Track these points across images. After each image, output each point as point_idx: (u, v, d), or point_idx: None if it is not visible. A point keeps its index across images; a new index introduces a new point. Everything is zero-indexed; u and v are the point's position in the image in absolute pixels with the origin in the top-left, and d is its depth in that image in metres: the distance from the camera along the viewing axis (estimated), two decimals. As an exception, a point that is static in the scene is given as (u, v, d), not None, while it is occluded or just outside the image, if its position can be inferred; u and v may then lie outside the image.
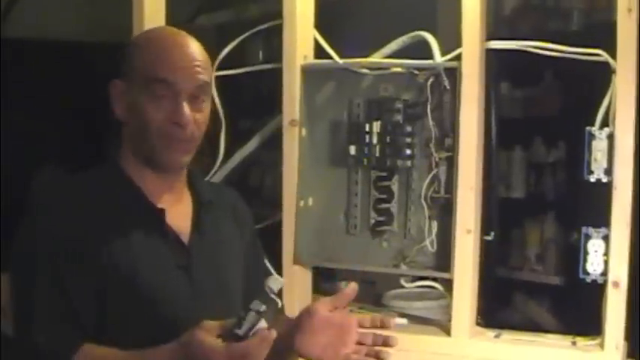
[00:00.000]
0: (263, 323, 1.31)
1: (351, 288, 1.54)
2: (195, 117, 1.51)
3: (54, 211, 1.49)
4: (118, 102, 1.54)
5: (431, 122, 2.06)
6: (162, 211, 1.53)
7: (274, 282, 1.37)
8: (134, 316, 1.47)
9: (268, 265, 1.99)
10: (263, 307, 1.32)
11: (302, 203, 2.17)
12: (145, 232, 1.51)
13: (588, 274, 1.93)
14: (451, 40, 2.03)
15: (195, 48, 1.54)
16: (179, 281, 1.52)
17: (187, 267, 1.54)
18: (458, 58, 2.01)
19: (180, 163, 1.55)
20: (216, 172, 2.28)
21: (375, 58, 2.16)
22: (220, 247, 1.64)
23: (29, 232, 1.48)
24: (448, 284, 2.07)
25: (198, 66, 1.52)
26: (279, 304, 1.38)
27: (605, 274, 1.91)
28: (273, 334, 1.30)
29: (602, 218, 1.92)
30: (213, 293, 1.57)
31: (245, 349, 1.29)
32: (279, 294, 1.38)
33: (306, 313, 1.53)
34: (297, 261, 2.19)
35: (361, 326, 1.54)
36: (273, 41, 2.23)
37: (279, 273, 2.13)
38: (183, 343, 1.33)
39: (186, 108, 1.49)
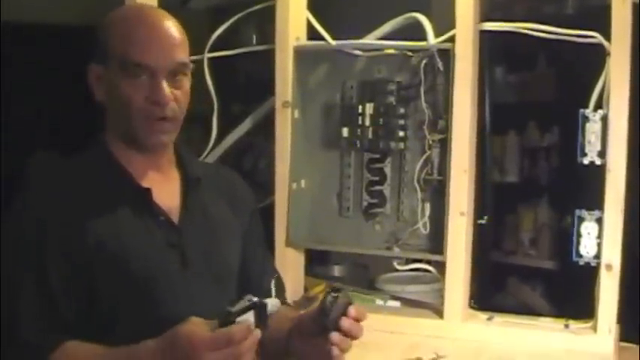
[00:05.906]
0: (251, 318, 1.30)
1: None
2: (175, 94, 1.51)
3: (41, 196, 1.49)
4: (97, 86, 1.53)
5: (424, 104, 2.05)
6: (148, 191, 1.53)
7: (271, 304, 1.36)
8: (125, 297, 1.46)
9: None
10: (255, 299, 1.32)
11: (294, 186, 2.16)
12: (132, 213, 1.50)
13: (581, 256, 1.93)
14: (445, 21, 2.02)
15: (169, 26, 1.51)
16: (171, 259, 1.52)
17: (179, 245, 1.53)
18: (451, 39, 2.00)
19: (162, 142, 1.54)
20: (208, 155, 2.27)
21: (369, 40, 2.15)
22: (213, 226, 1.62)
23: (16, 217, 1.47)
24: (441, 267, 2.07)
25: (174, 45, 1.50)
26: (269, 315, 1.36)
27: (598, 256, 1.91)
28: (258, 333, 1.30)
29: (595, 201, 1.91)
30: (206, 271, 1.57)
31: (230, 334, 1.27)
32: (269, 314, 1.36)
33: None
34: (289, 243, 2.19)
35: None
36: (267, 25, 2.21)
37: (272, 255, 2.13)
38: (168, 335, 1.32)
39: (165, 87, 1.48)
